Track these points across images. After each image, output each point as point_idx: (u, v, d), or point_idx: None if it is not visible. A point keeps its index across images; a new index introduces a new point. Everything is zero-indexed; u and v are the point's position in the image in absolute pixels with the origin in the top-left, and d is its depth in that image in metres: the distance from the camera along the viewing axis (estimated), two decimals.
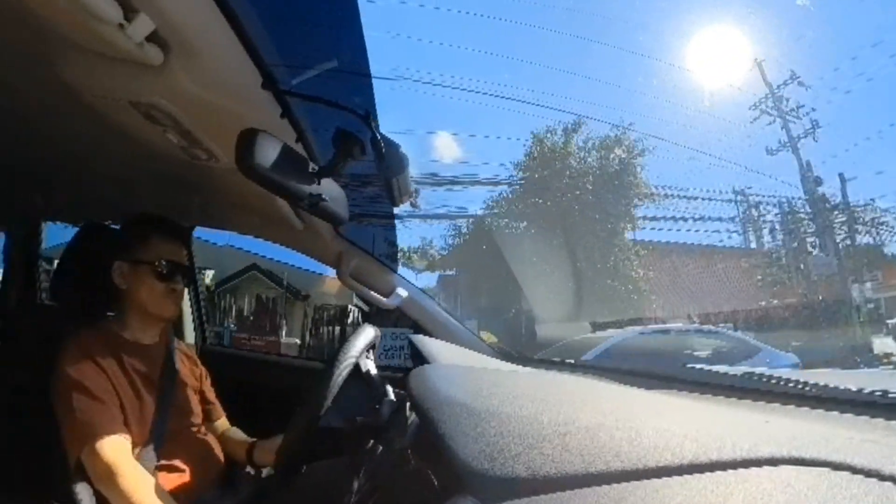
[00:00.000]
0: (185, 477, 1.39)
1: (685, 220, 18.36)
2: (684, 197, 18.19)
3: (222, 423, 1.69)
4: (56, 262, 1.63)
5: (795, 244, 18.94)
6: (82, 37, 0.88)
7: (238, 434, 1.67)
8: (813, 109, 18.32)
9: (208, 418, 1.64)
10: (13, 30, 0.97)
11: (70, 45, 0.94)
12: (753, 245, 19.97)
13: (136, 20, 0.83)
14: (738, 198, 19.45)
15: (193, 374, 1.64)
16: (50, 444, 1.26)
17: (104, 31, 0.83)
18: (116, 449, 1.22)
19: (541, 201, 15.73)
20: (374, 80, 1.32)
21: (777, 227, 19.66)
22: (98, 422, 1.23)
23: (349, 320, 13.19)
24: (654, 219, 17.38)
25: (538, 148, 16.29)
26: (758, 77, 18.83)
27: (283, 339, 13.84)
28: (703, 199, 18.53)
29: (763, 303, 18.00)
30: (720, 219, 18.81)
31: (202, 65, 0.98)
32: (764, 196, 19.39)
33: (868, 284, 18.33)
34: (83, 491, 1.25)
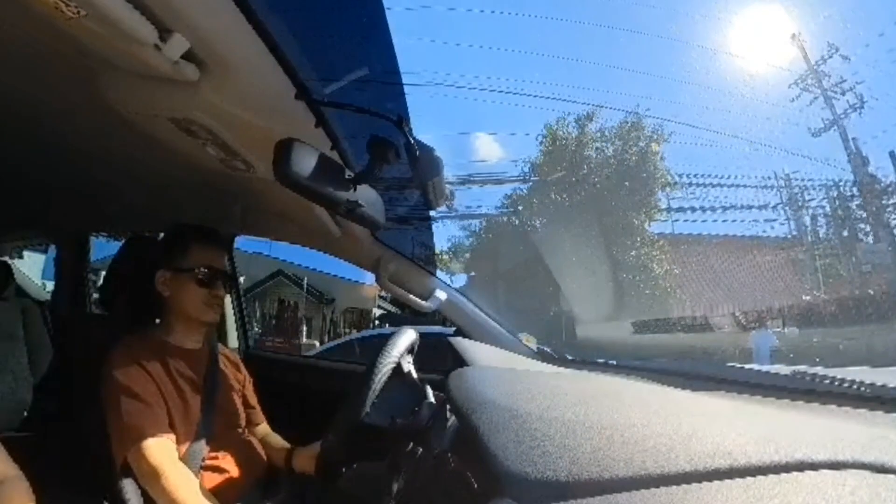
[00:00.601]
0: (230, 477, 1.43)
1: (715, 209, 17.58)
2: (715, 185, 17.44)
3: (263, 428, 1.72)
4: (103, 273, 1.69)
5: (846, 232, 18.02)
6: (121, 58, 0.92)
7: (278, 440, 1.70)
8: (857, 83, 17.36)
9: (249, 422, 1.67)
10: (56, 55, 1.01)
11: (110, 67, 0.98)
12: (798, 235, 19.18)
13: (171, 40, 0.85)
14: (780, 183, 18.60)
15: (237, 379, 1.68)
16: (101, 446, 1.31)
17: (141, 52, 0.85)
18: (161, 450, 1.26)
19: (557, 196, 15.22)
20: (405, 85, 1.33)
21: (824, 214, 18.77)
22: (144, 424, 1.28)
23: (375, 324, 13.38)
24: (682, 210, 16.71)
25: (551, 141, 15.71)
26: (796, 53, 18.20)
27: (304, 340, 14.02)
28: (735, 186, 17.71)
29: (809, 297, 17.19)
30: (760, 207, 18.03)
31: (237, 79, 1.00)
32: (809, 181, 18.46)
33: None
34: (130, 490, 1.30)
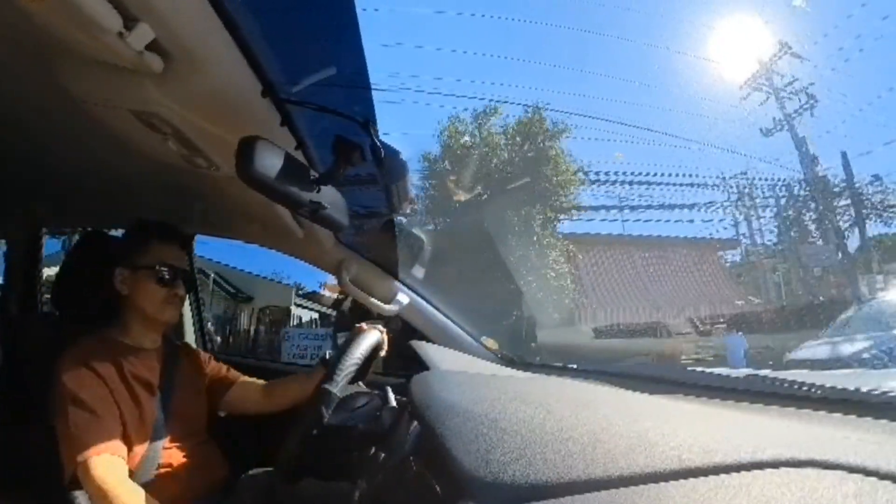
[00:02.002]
0: (186, 483, 1.39)
1: (634, 209, 17.49)
2: (633, 182, 17.23)
3: (244, 381, 1.73)
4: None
5: (795, 233, 18.16)
6: (82, 45, 0.88)
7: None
8: (811, 84, 17.54)
9: (225, 386, 1.69)
10: (12, 37, 0.97)
11: (69, 53, 0.94)
12: (743, 237, 19.36)
13: (136, 29, 0.83)
14: (717, 182, 18.49)
15: (198, 368, 1.65)
16: (53, 452, 1.26)
17: (104, 39, 0.83)
18: (108, 468, 1.22)
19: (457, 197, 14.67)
20: (373, 87, 1.32)
21: (773, 215, 18.93)
22: (92, 438, 1.23)
23: (292, 323, 13.38)
24: (592, 209, 16.42)
25: (453, 139, 14.88)
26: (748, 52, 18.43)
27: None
28: (656, 184, 17.60)
29: (741, 302, 17.36)
30: (688, 206, 17.93)
31: (202, 73, 0.98)
32: (751, 179, 18.56)
33: (880, 277, 17.45)
34: (82, 498, 1.26)
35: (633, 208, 17.56)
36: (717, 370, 1.40)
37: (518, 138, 14.31)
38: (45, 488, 1.31)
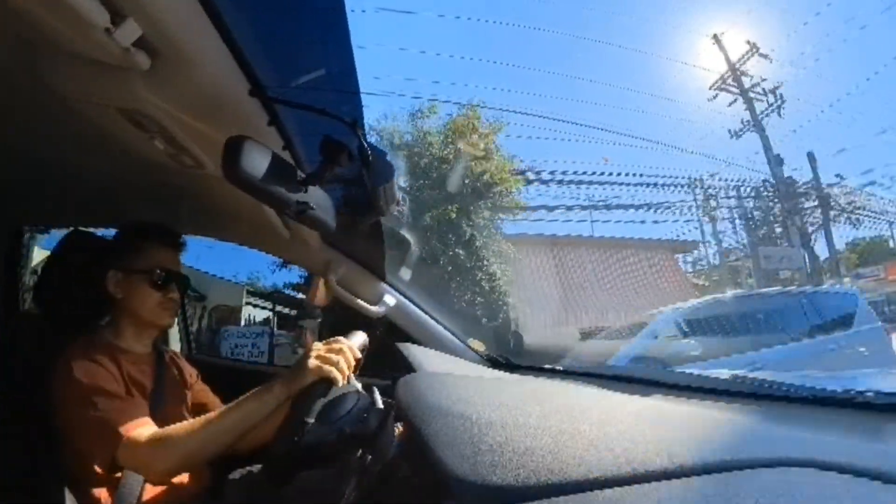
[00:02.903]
0: (176, 484, 1.38)
1: (586, 208, 17.67)
2: (575, 183, 17.41)
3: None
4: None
5: (760, 236, 18.19)
6: (67, 40, 0.87)
7: None
8: (780, 84, 17.77)
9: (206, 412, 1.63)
10: None
11: (54, 49, 0.93)
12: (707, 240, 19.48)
13: (124, 25, 0.82)
14: (676, 182, 18.71)
15: (184, 381, 1.63)
16: (37, 452, 1.24)
17: (90, 35, 0.82)
18: (151, 431, 1.21)
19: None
20: (361, 89, 1.32)
21: (736, 217, 19.02)
22: (127, 416, 1.22)
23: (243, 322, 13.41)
24: (531, 209, 16.36)
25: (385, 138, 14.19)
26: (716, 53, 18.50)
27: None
28: (609, 184, 17.87)
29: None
30: (647, 206, 18.23)
31: (190, 71, 0.97)
32: (713, 180, 18.82)
33: (847, 280, 17.49)
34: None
35: (569, 208, 17.66)
36: (702, 371, 1.41)
37: (451, 136, 13.99)
38: (30, 492, 1.29)
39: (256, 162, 0.95)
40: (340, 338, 1.24)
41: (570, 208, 17.71)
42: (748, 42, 18.31)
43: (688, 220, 19.30)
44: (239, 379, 1.91)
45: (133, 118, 1.10)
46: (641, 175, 18.41)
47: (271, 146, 1.02)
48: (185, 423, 1.23)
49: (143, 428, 1.21)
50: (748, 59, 18.20)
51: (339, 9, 1.09)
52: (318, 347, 1.19)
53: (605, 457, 0.56)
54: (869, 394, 0.93)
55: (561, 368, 1.84)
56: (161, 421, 1.39)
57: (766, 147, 17.42)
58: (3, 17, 0.87)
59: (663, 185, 18.38)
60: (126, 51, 0.87)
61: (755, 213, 18.74)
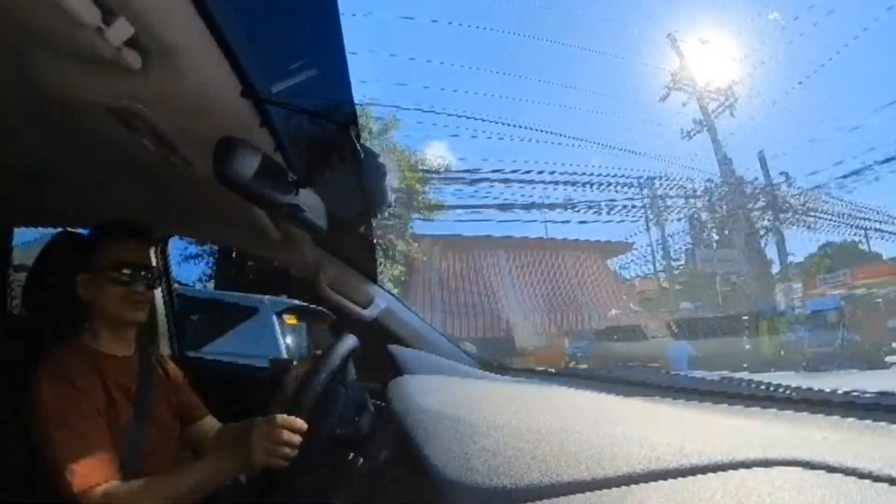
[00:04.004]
0: None
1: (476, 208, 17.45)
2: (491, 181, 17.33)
3: (210, 421, 1.67)
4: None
5: (702, 238, 18.02)
6: (58, 38, 0.87)
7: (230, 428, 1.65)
8: (735, 82, 17.76)
9: (192, 419, 1.62)
10: None
11: (45, 46, 0.92)
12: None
13: (115, 24, 0.81)
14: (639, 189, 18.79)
15: (169, 385, 1.60)
16: (37, 452, 1.23)
17: (81, 33, 0.81)
18: (108, 485, 1.17)
19: None
20: (354, 91, 1.32)
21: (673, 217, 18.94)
22: (85, 466, 1.17)
23: None
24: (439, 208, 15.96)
25: None
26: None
27: None
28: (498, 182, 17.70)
29: (615, 311, 17.22)
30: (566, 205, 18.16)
31: (181, 71, 0.96)
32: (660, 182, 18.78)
33: (798, 286, 17.21)
34: None
35: (473, 207, 17.60)
36: (692, 373, 1.42)
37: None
38: (43, 488, 1.27)
39: (247, 163, 0.95)
40: (281, 421, 1.15)
41: (476, 208, 17.59)
42: (701, 40, 18.35)
43: (630, 221, 19.22)
44: (227, 380, 1.90)
45: (124, 117, 1.09)
46: (583, 174, 18.54)
47: (263, 147, 1.02)
48: (136, 483, 1.19)
49: (96, 480, 1.17)
50: (703, 58, 18.17)
51: (332, 10, 1.09)
52: (262, 431, 1.15)
53: (595, 459, 0.56)
54: (855, 394, 0.94)
55: (552, 371, 1.85)
56: (144, 424, 1.38)
57: (714, 141, 17.33)
58: None
59: (607, 185, 18.42)
60: (117, 50, 0.86)
61: (701, 214, 18.67)
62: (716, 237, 18.57)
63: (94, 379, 1.31)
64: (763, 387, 1.12)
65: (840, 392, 0.97)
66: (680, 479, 0.52)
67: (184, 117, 1.10)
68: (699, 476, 0.52)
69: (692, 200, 18.67)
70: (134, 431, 1.35)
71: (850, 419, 0.83)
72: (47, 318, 1.53)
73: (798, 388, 1.05)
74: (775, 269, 17.36)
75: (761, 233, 17.09)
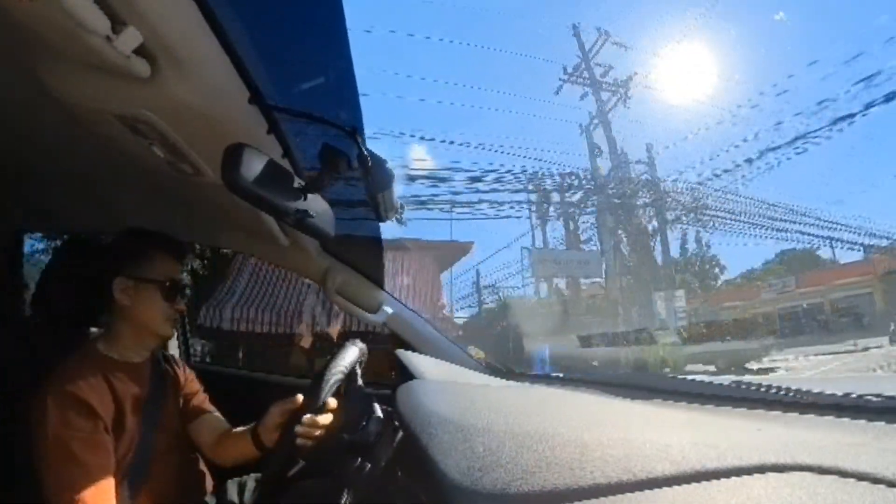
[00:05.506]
0: (172, 497, 1.37)
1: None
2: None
3: (217, 419, 1.63)
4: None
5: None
6: (68, 47, 0.88)
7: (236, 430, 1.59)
8: (635, 73, 17.52)
9: (199, 416, 1.59)
10: None
11: (55, 55, 0.93)
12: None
13: (124, 33, 0.82)
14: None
15: (180, 384, 1.60)
16: (20, 453, 1.23)
17: (91, 42, 0.82)
18: None
19: None
20: (361, 96, 1.32)
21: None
22: (85, 498, 1.16)
23: None
24: None
25: None
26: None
27: None
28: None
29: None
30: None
31: (190, 79, 0.97)
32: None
33: (681, 293, 16.59)
34: None
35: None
36: (701, 377, 1.40)
37: None
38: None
39: (255, 169, 0.95)
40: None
41: None
42: (598, 29, 17.93)
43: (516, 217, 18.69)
44: (240, 388, 1.91)
45: (132, 125, 1.10)
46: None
47: (270, 154, 1.02)
48: None
49: None
50: (601, 47, 17.64)
51: (339, 17, 1.09)
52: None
53: (603, 463, 0.56)
54: (867, 397, 0.93)
55: (560, 376, 1.84)
56: (152, 431, 1.38)
57: (588, 137, 16.80)
58: (4, 24, 0.87)
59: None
60: (126, 58, 0.87)
61: (575, 213, 18.12)
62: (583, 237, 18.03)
63: (103, 391, 1.29)
64: (774, 391, 1.11)
65: (852, 396, 0.96)
66: (693, 483, 0.52)
67: (192, 124, 1.11)
68: (713, 481, 0.52)
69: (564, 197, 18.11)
70: (141, 438, 1.35)
71: (862, 422, 0.83)
72: (61, 319, 1.54)
73: (809, 391, 1.04)
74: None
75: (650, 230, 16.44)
